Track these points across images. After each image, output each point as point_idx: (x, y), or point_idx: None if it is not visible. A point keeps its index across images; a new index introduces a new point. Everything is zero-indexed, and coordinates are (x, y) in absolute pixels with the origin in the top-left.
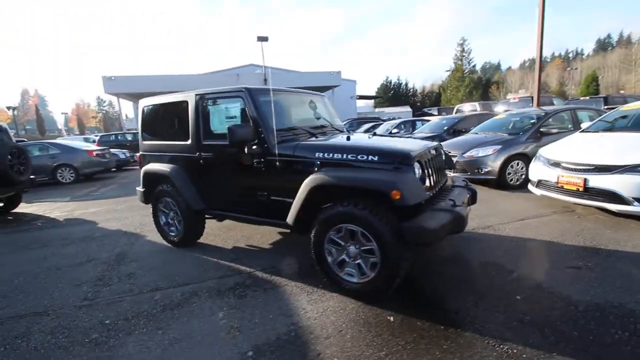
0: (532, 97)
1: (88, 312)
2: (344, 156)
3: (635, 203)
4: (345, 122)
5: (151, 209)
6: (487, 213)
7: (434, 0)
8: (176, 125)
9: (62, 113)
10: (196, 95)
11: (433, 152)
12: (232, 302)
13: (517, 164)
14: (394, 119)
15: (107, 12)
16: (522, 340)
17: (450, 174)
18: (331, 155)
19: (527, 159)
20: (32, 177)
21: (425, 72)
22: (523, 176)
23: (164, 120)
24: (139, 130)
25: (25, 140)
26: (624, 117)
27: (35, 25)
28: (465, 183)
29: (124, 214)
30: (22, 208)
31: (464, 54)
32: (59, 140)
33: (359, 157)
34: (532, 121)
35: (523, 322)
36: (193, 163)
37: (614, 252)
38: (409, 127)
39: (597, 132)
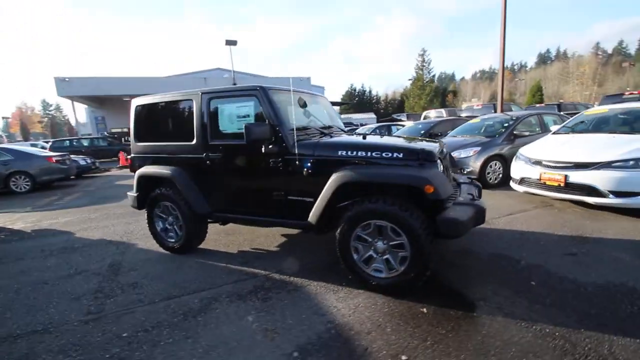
0: (494, 104)
1: (98, 327)
2: (368, 154)
3: (611, 196)
4: None
5: (143, 215)
6: None
7: (394, 13)
8: (178, 125)
9: (3, 117)
10: (203, 93)
11: (443, 150)
12: (258, 306)
13: (495, 164)
14: (365, 124)
15: (52, 6)
16: (549, 320)
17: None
18: (355, 153)
19: (503, 159)
20: None
21: (387, 80)
22: (500, 175)
23: (163, 120)
24: (131, 132)
25: None
26: (588, 120)
27: None
28: (470, 180)
29: (102, 222)
30: None
31: (424, 64)
32: (11, 146)
33: (383, 154)
34: (506, 125)
35: (545, 305)
36: (198, 164)
37: (599, 239)
38: (384, 131)
39: (567, 134)
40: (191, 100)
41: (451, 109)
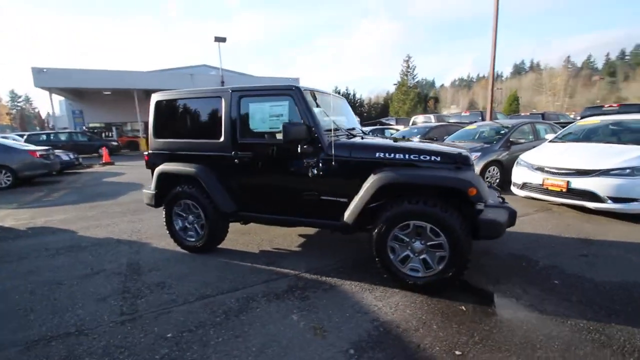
0: (481, 112)
1: (137, 328)
2: (407, 156)
3: (609, 201)
4: None
5: (147, 213)
6: None
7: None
8: (203, 122)
9: None
10: (233, 91)
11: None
12: (298, 305)
13: (493, 169)
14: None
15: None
16: (580, 315)
17: None
18: (393, 155)
19: (500, 165)
20: None
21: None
22: (498, 180)
23: (186, 117)
24: (150, 127)
25: None
26: (583, 130)
27: None
28: (489, 184)
29: (103, 220)
30: None
31: (409, 70)
32: None
33: (421, 157)
34: (503, 132)
35: (572, 302)
36: (225, 162)
37: (603, 242)
38: (378, 135)
39: (564, 142)
40: (219, 97)
41: (439, 115)
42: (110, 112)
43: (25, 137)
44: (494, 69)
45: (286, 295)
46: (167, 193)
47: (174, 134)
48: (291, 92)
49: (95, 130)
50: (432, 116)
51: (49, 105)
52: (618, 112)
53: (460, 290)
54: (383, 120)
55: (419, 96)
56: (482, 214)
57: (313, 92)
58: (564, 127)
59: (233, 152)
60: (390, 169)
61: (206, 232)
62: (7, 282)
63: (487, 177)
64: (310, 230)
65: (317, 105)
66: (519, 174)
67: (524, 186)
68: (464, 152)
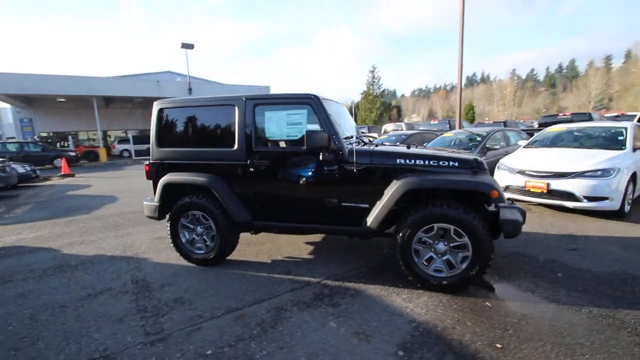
0: (449, 120)
1: (171, 347)
2: (426, 162)
3: (585, 200)
4: None
5: (133, 227)
6: None
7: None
8: (214, 131)
9: None
10: (247, 99)
11: None
12: (331, 311)
13: None
14: None
15: None
16: (591, 303)
17: None
18: (413, 161)
19: None
20: None
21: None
22: None
23: (194, 125)
24: (152, 136)
25: None
26: (551, 136)
27: None
28: None
29: (86, 237)
30: None
31: (374, 80)
32: None
33: (440, 163)
34: (479, 139)
35: (579, 291)
36: (239, 171)
37: (585, 237)
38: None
39: (537, 147)
40: (232, 105)
41: (409, 123)
42: (64, 121)
43: None
44: (461, 82)
45: (316, 303)
46: (171, 204)
47: (179, 142)
48: (310, 100)
49: (49, 140)
50: (402, 124)
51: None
52: (571, 120)
53: (479, 287)
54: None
55: (384, 105)
56: (502, 214)
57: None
58: (529, 134)
59: (248, 161)
60: (413, 174)
61: (217, 244)
62: None
63: None
64: (316, 238)
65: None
66: (501, 178)
67: (506, 189)
68: (479, 157)
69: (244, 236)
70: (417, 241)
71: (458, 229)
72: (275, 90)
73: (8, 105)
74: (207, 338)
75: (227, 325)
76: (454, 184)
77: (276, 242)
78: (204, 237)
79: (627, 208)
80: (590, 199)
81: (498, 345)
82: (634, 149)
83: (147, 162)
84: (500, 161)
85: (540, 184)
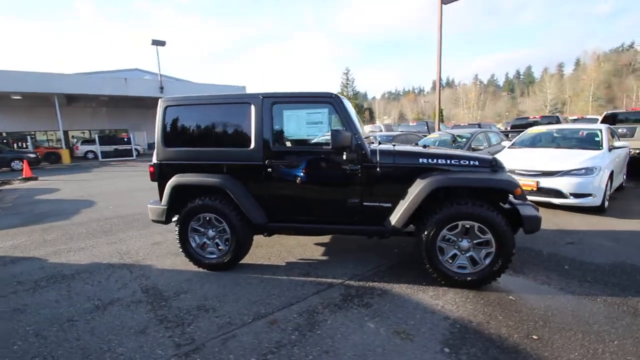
0: (427, 122)
1: (208, 357)
2: (448, 161)
3: (571, 197)
4: None
5: (124, 233)
6: None
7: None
8: (228, 130)
9: None
10: (264, 97)
11: None
12: (365, 312)
13: None
14: None
15: None
16: (603, 292)
17: None
18: (435, 160)
19: None
20: None
21: None
22: None
23: (208, 124)
24: (158, 135)
25: None
26: (533, 137)
27: None
28: None
29: (73, 244)
30: None
31: (348, 82)
32: None
33: (461, 162)
34: (464, 140)
35: (589, 282)
36: (255, 171)
37: (577, 231)
38: None
39: (521, 148)
40: (248, 104)
41: (387, 124)
42: (21, 120)
43: None
44: (440, 86)
45: (347, 305)
46: (179, 207)
47: (189, 142)
48: (331, 99)
49: (4, 141)
50: (381, 126)
51: None
52: (540, 123)
53: (498, 282)
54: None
55: (358, 107)
56: (522, 211)
57: None
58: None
59: (267, 161)
60: (438, 173)
61: (233, 247)
62: None
63: None
64: (324, 239)
65: None
66: None
67: None
68: (496, 156)
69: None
70: (441, 239)
71: (482, 226)
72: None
73: None
74: (245, 346)
75: (261, 331)
76: (481, 182)
77: (285, 244)
78: (217, 240)
79: (606, 204)
80: (575, 195)
81: (534, 337)
82: (610, 149)
83: (152, 163)
84: None
85: (530, 182)
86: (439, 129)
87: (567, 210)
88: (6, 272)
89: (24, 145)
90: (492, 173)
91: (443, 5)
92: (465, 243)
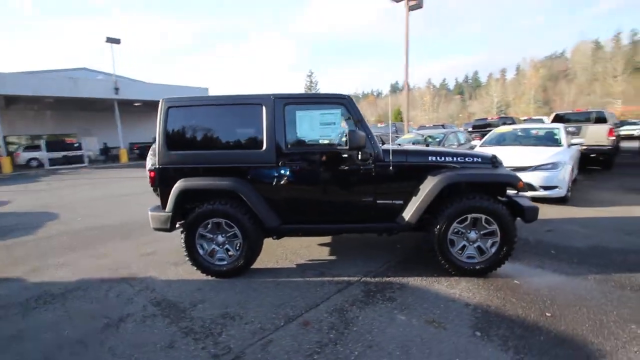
0: (395, 124)
1: None
2: (454, 159)
3: (541, 189)
4: None
5: (107, 245)
6: None
7: (271, 34)
8: (237, 131)
9: None
10: (276, 98)
11: None
12: (392, 306)
13: None
14: None
15: None
16: (591, 272)
17: None
18: (443, 158)
19: None
20: None
21: None
22: None
23: (215, 126)
24: (160, 138)
25: None
26: (501, 136)
27: None
28: None
29: (49, 260)
30: None
31: (312, 84)
32: None
33: (466, 159)
34: (438, 140)
35: (577, 263)
36: (268, 173)
37: (550, 220)
38: None
39: (491, 146)
40: (259, 105)
41: None
42: None
43: None
44: (408, 88)
45: (371, 300)
46: (184, 213)
47: (195, 145)
48: (344, 100)
49: None
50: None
51: None
52: (497, 124)
53: (500, 269)
54: None
55: None
56: (522, 202)
57: None
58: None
59: (280, 162)
60: (447, 170)
61: (245, 252)
62: None
63: None
64: (327, 239)
65: None
66: None
67: None
68: (494, 154)
69: None
70: (452, 232)
71: (489, 218)
72: (213, 92)
73: None
74: (287, 349)
75: (298, 333)
76: (490, 178)
77: (288, 247)
78: (227, 246)
79: (569, 195)
80: (544, 188)
81: (548, 314)
82: (569, 146)
83: (152, 168)
84: None
85: None
86: (408, 131)
87: (537, 202)
88: None
89: None
90: (493, 168)
91: (409, 12)
92: (473, 234)
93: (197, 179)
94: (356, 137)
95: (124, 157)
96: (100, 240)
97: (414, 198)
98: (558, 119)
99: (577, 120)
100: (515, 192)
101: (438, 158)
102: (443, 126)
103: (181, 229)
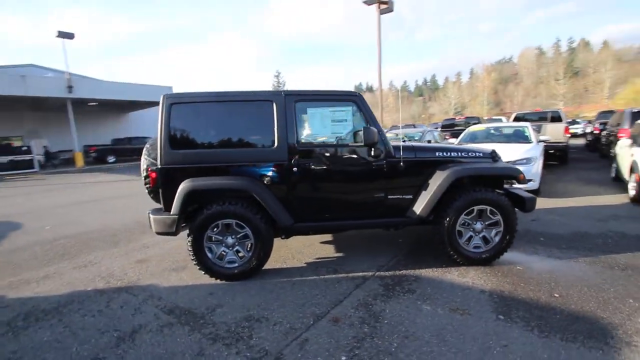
0: None
1: None
2: (459, 154)
3: (516, 183)
4: None
5: (90, 254)
6: None
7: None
8: (247, 129)
9: None
10: (286, 95)
11: None
12: (414, 297)
13: None
14: None
15: None
16: (580, 255)
17: None
18: (449, 154)
19: None
20: None
21: None
22: None
23: (223, 123)
24: (162, 137)
25: None
26: (475, 134)
27: None
28: None
29: (28, 274)
30: None
31: (279, 85)
32: None
33: (469, 154)
34: (416, 138)
35: (566, 248)
36: (280, 171)
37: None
38: None
39: (468, 143)
40: (270, 101)
41: None
42: None
43: None
44: (382, 90)
45: (393, 293)
46: (191, 215)
47: (201, 143)
48: (355, 98)
49: None
50: None
51: None
52: (466, 122)
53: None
54: None
55: None
56: (521, 194)
57: None
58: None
59: (292, 160)
60: (453, 165)
61: (257, 253)
62: None
63: None
64: (328, 237)
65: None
66: None
67: None
68: (493, 148)
69: None
70: (460, 224)
71: (494, 209)
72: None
73: None
74: (326, 346)
75: (332, 330)
76: (493, 170)
77: (290, 247)
78: (238, 247)
79: (539, 187)
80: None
81: (556, 295)
82: (538, 142)
83: (153, 168)
84: None
85: None
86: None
87: None
88: None
89: None
90: (494, 162)
91: (379, 15)
92: (479, 225)
93: (206, 179)
94: (370, 134)
95: (79, 161)
96: (81, 250)
97: (424, 192)
98: (518, 118)
99: (536, 119)
100: (510, 184)
101: (444, 154)
102: (414, 126)
103: (188, 232)
